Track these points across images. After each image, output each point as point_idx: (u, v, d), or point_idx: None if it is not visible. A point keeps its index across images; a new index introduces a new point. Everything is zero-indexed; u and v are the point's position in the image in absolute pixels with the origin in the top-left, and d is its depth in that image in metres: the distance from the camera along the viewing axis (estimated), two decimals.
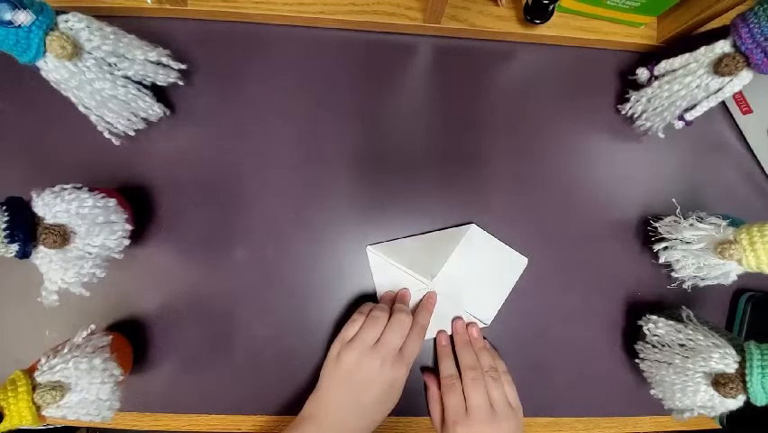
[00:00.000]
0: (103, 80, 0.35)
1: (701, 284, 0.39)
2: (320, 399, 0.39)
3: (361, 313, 0.41)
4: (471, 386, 0.40)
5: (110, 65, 0.35)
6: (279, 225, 0.44)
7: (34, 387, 0.32)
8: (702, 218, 0.39)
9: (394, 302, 0.43)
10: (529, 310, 0.46)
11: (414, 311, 0.43)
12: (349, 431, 0.38)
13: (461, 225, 0.45)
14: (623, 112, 0.45)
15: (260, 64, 0.45)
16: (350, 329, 0.41)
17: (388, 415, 0.40)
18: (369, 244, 0.44)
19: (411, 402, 0.44)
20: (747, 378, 0.33)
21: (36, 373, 0.33)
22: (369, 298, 0.45)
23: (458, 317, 0.45)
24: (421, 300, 0.44)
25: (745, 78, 0.36)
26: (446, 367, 0.43)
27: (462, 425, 0.39)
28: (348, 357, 0.39)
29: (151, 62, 0.37)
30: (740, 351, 0.35)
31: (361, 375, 0.38)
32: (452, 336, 0.45)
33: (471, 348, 0.43)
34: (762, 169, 0.47)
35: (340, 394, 0.39)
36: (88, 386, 0.34)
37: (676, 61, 0.38)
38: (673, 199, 0.41)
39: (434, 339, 0.45)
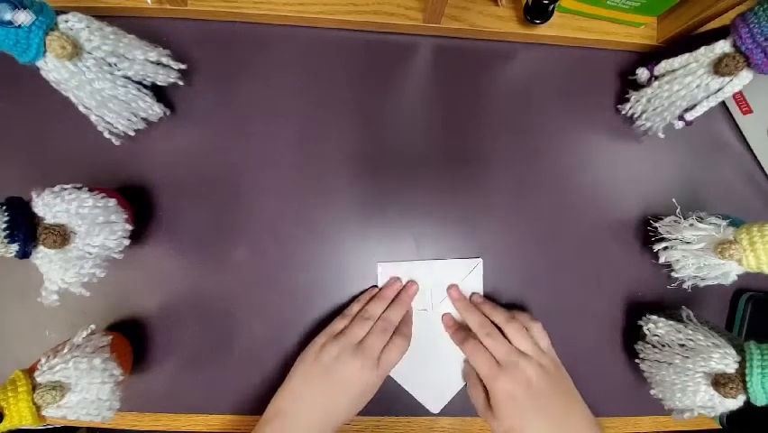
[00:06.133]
0: (103, 80, 0.35)
1: (701, 284, 0.39)
2: (291, 392, 0.38)
3: (351, 314, 0.42)
4: (489, 341, 0.39)
5: (110, 65, 0.35)
6: (279, 224, 0.44)
7: (34, 387, 0.33)
8: (702, 218, 0.39)
9: (397, 295, 0.43)
10: (529, 310, 0.46)
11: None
12: (314, 424, 0.37)
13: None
14: (623, 112, 0.45)
15: (260, 64, 0.45)
16: (338, 325, 0.41)
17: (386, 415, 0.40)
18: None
19: (410, 403, 0.44)
20: (747, 378, 0.34)
21: (36, 373, 0.33)
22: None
23: (452, 285, 0.45)
24: (399, 294, 0.44)
25: (745, 78, 0.36)
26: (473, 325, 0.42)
27: (497, 381, 0.37)
28: (330, 351, 0.38)
29: (151, 62, 0.37)
30: (740, 351, 0.35)
31: (339, 373, 0.38)
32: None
33: (476, 309, 0.43)
34: (762, 169, 0.47)
35: (313, 388, 0.38)
36: (88, 386, 0.34)
37: (676, 61, 0.38)
38: (673, 199, 0.41)
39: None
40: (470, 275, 0.45)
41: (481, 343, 0.40)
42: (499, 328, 0.41)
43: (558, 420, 0.37)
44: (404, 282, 0.44)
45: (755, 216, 0.39)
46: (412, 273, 0.45)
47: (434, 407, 0.44)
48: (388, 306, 0.43)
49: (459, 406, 0.45)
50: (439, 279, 0.45)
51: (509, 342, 0.39)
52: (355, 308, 0.43)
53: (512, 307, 0.45)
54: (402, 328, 0.42)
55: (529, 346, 0.39)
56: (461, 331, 0.43)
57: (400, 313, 0.42)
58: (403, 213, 0.45)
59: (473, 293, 0.45)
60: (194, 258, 0.44)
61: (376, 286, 0.45)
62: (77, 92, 0.35)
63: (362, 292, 0.45)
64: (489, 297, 0.45)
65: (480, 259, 0.45)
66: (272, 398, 0.39)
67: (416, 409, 0.45)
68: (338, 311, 0.44)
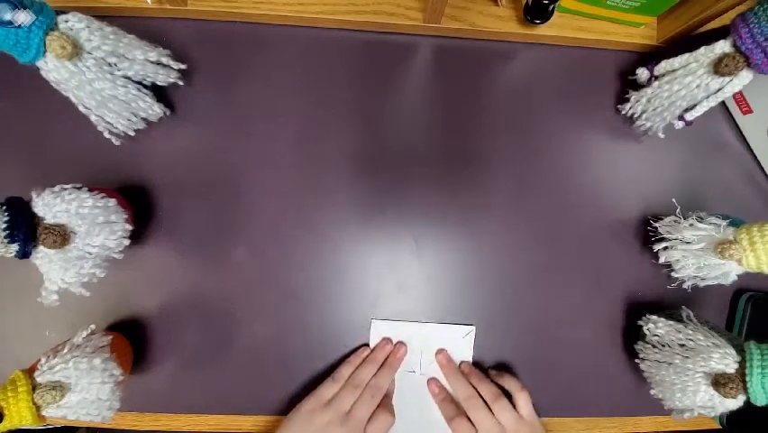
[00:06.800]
0: (103, 80, 0.35)
1: (701, 284, 0.39)
2: None
3: (341, 379, 0.42)
4: (474, 414, 0.41)
5: (110, 65, 0.35)
6: (279, 225, 0.44)
7: (34, 387, 0.33)
8: (702, 218, 0.39)
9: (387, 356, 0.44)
10: (529, 311, 0.46)
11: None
12: None
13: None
14: (623, 112, 0.45)
15: (260, 64, 0.45)
16: (328, 390, 0.41)
17: None
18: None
19: None
20: (747, 378, 0.34)
21: (36, 373, 0.33)
22: (368, 298, 0.45)
23: (441, 350, 0.45)
24: (388, 358, 0.44)
25: (745, 78, 0.36)
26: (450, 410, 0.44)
27: None
28: (320, 419, 0.40)
29: (151, 62, 0.37)
30: (740, 351, 0.35)
31: None
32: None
33: (464, 379, 0.43)
34: (762, 169, 0.47)
35: None
36: (88, 386, 0.34)
37: (676, 61, 0.38)
38: (673, 199, 0.41)
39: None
40: (461, 341, 0.45)
41: (466, 414, 0.42)
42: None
43: None
44: (394, 342, 0.45)
45: (755, 216, 0.39)
46: (404, 334, 0.45)
47: None
48: (378, 370, 0.43)
49: None
50: (430, 342, 0.45)
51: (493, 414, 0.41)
52: (345, 371, 0.43)
53: (504, 367, 0.45)
54: (387, 403, 0.43)
55: (511, 421, 0.40)
56: (450, 405, 0.44)
57: (389, 378, 0.43)
58: (403, 213, 0.45)
59: (462, 361, 0.45)
60: (194, 258, 0.44)
61: (366, 345, 0.45)
62: (77, 92, 0.35)
63: (353, 351, 0.45)
64: (481, 364, 0.45)
65: (474, 327, 0.45)
66: None
67: None
68: (338, 312, 0.44)
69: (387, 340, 0.45)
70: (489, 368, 0.46)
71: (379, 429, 0.41)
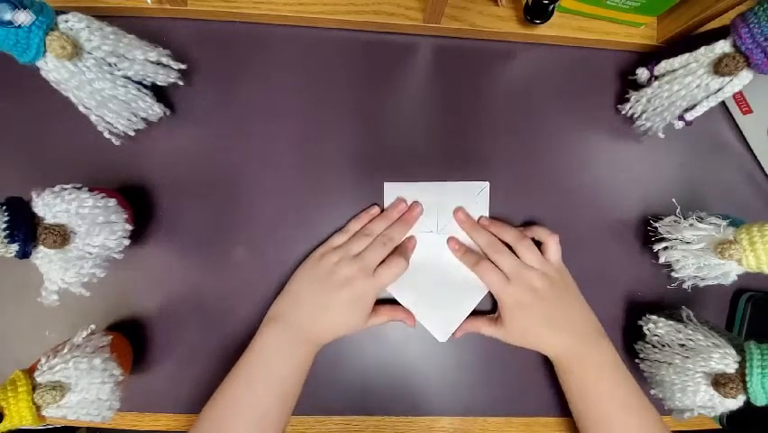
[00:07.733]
0: (103, 80, 0.35)
1: (701, 284, 0.39)
2: (289, 295, 0.41)
3: (351, 231, 0.43)
4: (497, 257, 0.41)
5: (110, 65, 0.35)
6: (279, 225, 0.44)
7: (34, 387, 0.33)
8: (702, 218, 0.39)
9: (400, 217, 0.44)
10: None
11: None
12: (310, 327, 0.39)
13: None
14: (623, 112, 0.45)
15: (259, 64, 0.45)
16: (339, 238, 0.43)
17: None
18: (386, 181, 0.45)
19: (410, 402, 0.45)
20: (747, 378, 0.34)
21: (36, 373, 0.33)
22: None
23: (459, 208, 0.45)
24: (403, 215, 0.44)
25: (745, 78, 0.36)
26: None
27: (505, 293, 0.40)
28: (329, 259, 0.41)
29: (151, 62, 0.37)
30: (740, 351, 0.35)
31: (335, 276, 0.40)
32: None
33: (484, 229, 0.43)
34: (762, 169, 0.47)
35: (309, 292, 0.40)
36: (88, 386, 0.34)
37: (676, 61, 0.38)
38: (673, 199, 0.41)
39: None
40: (476, 198, 0.45)
41: (491, 261, 0.41)
42: (511, 248, 0.42)
43: (562, 323, 0.40)
44: (409, 204, 0.44)
45: (755, 216, 0.39)
46: (418, 195, 0.45)
47: (441, 335, 0.43)
48: (391, 225, 0.43)
49: (459, 405, 0.45)
50: (446, 201, 0.45)
51: (518, 257, 0.41)
52: (354, 225, 0.43)
53: (531, 224, 0.45)
54: (402, 250, 0.43)
55: (535, 259, 0.41)
56: (472, 254, 0.43)
57: (402, 232, 0.43)
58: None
59: (481, 216, 0.45)
60: (194, 258, 0.44)
61: (376, 204, 0.45)
62: (77, 92, 0.35)
63: (362, 211, 0.44)
64: (495, 219, 0.45)
65: (488, 182, 0.45)
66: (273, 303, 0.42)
67: (416, 408, 0.45)
68: None
69: (401, 199, 0.44)
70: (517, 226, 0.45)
71: (391, 272, 0.40)
